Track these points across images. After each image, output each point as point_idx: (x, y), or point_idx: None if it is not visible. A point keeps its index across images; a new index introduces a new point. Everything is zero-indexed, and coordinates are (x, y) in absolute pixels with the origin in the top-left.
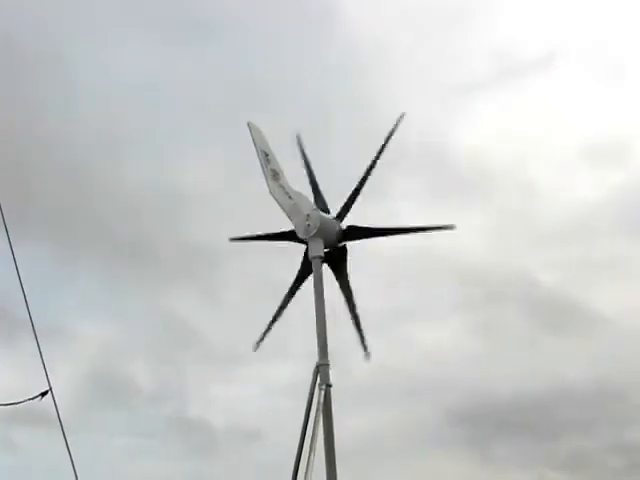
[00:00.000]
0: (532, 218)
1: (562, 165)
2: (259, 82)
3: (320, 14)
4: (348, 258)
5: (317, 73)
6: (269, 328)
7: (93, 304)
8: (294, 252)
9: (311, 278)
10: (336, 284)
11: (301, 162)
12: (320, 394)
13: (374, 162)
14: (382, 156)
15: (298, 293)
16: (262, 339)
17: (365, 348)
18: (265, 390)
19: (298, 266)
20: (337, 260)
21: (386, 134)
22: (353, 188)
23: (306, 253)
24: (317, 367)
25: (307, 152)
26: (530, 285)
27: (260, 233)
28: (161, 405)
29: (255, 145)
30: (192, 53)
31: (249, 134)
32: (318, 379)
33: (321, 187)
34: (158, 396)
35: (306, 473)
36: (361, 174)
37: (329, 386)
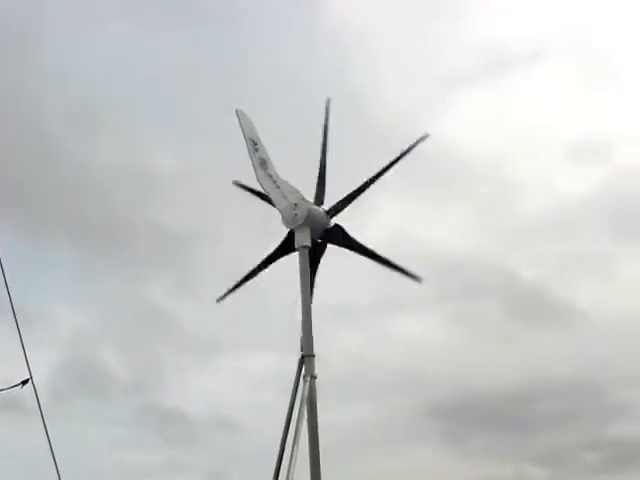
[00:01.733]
0: (514, 212)
1: (546, 160)
2: (240, 70)
3: (305, 3)
4: (323, 256)
5: (301, 63)
6: (235, 289)
7: (66, 291)
8: (272, 238)
9: (294, 265)
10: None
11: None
12: (305, 386)
13: (381, 172)
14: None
15: (279, 284)
16: (225, 296)
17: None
18: (243, 380)
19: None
20: (313, 254)
21: (404, 148)
22: (352, 191)
23: (288, 236)
24: (302, 358)
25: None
26: (511, 279)
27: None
28: (138, 394)
29: (243, 133)
30: (175, 37)
31: (236, 121)
32: (303, 370)
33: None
34: (135, 385)
35: (289, 465)
36: (362, 180)
37: (314, 377)
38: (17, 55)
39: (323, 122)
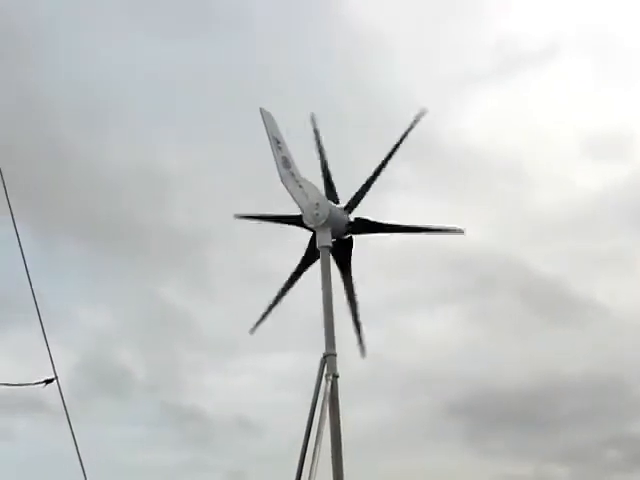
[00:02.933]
0: (532, 209)
1: (563, 157)
2: (253, 69)
3: (320, 1)
4: (353, 251)
5: (318, 61)
6: (267, 314)
7: (81, 291)
8: (285, 235)
9: (316, 267)
10: (338, 277)
11: (315, 147)
12: (327, 385)
13: (388, 157)
14: (397, 152)
15: (299, 282)
16: (259, 324)
17: (362, 348)
18: (261, 380)
19: (290, 249)
20: (342, 252)
21: (403, 129)
22: (364, 182)
23: (311, 241)
24: (324, 357)
25: (322, 136)
26: (529, 276)
27: (267, 214)
28: (157, 394)
29: (267, 131)
30: (185, 38)
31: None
32: (325, 369)
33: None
34: (154, 385)
35: (312, 465)
36: (373, 168)
37: (336, 377)
38: (23, 56)
39: (313, 136)
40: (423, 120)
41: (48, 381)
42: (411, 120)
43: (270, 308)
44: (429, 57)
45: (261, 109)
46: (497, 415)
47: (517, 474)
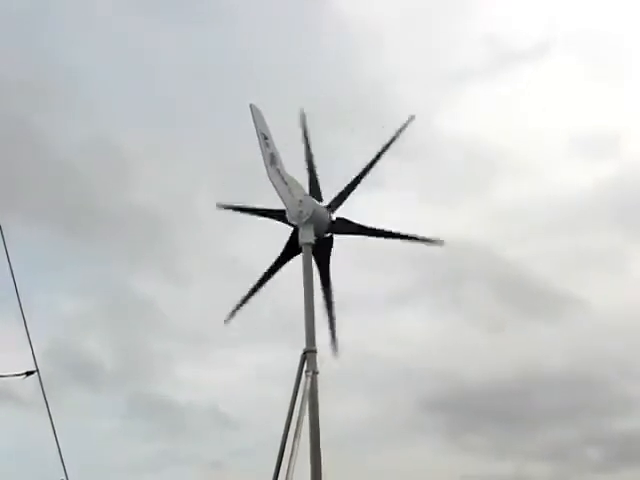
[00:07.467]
0: (518, 205)
1: (553, 154)
2: (237, 63)
3: None
4: (333, 250)
5: (308, 58)
6: (242, 304)
7: (49, 279)
8: (254, 225)
9: (298, 263)
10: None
11: (302, 143)
12: (307, 381)
13: (375, 160)
14: (384, 155)
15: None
16: (233, 314)
17: (335, 346)
18: (237, 373)
19: (258, 239)
20: (322, 251)
21: (392, 133)
22: (349, 182)
23: (292, 236)
24: (304, 353)
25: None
26: (511, 273)
27: (250, 207)
28: (128, 386)
29: (256, 127)
30: (163, 24)
31: (250, 115)
32: (305, 365)
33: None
34: (124, 376)
35: (290, 460)
36: (359, 169)
37: (315, 373)
38: None
39: (301, 130)
40: (415, 116)
41: (29, 373)
42: (400, 125)
43: (245, 299)
44: (420, 53)
45: (251, 105)
46: (477, 411)
47: (497, 471)
